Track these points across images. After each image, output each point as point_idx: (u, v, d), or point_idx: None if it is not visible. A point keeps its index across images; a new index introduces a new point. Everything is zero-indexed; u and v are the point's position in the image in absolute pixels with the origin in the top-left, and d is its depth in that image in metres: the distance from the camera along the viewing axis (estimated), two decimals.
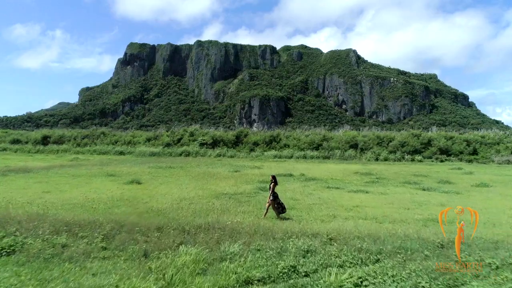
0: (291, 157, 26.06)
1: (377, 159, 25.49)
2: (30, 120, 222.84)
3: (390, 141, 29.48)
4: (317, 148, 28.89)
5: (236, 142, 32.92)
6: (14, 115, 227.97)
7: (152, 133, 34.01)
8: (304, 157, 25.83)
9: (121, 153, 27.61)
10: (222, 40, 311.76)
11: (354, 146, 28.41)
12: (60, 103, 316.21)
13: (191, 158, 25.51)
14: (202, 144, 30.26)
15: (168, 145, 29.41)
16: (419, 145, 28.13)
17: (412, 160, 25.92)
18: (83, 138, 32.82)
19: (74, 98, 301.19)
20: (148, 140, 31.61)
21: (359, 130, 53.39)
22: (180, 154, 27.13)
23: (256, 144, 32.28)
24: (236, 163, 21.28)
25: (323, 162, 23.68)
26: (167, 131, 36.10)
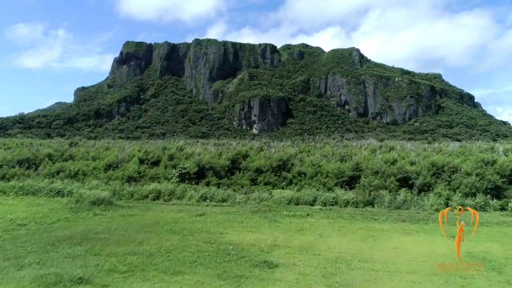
0: (314, 201, 17.05)
1: (447, 206, 16.41)
2: (22, 121, 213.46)
3: (454, 172, 20.38)
4: (349, 184, 19.77)
5: (232, 169, 23.90)
6: (6, 116, 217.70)
7: (116, 155, 24.68)
8: (335, 202, 16.79)
9: (58, 193, 18.49)
10: (226, 39, 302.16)
11: (404, 181, 19.36)
12: (57, 103, 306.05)
13: (159, 206, 16.34)
14: (182, 175, 21.13)
15: (130, 179, 20.17)
16: (498, 178, 19.03)
17: (503, 208, 16.85)
18: (18, 164, 23.71)
19: (72, 98, 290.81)
20: (108, 168, 22.41)
21: (387, 137, 44.42)
22: (146, 196, 18.00)
23: (259, 171, 23.38)
24: (227, 226, 12.17)
25: (372, 218, 14.50)
26: (139, 150, 26.96)
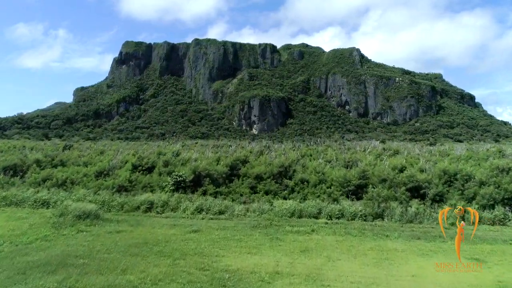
0: (319, 213, 15.74)
1: (463, 218, 15.11)
2: (21, 122, 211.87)
3: (467, 180, 19.10)
4: (355, 193, 18.48)
5: (230, 176, 22.63)
6: (5, 116, 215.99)
7: (109, 161, 23.39)
8: (341, 214, 15.50)
9: (43, 204, 17.21)
10: (226, 39, 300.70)
11: (415, 191, 18.05)
12: (56, 103, 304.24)
13: (150, 220, 15.06)
14: (177, 183, 19.83)
15: (121, 189, 18.87)
16: None
17: None
18: (3, 170, 22.43)
19: (72, 98, 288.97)
20: (99, 175, 21.12)
21: (391, 140, 43.19)
22: (138, 208, 16.71)
23: (259, 178, 22.14)
24: (224, 246, 10.75)
25: (383, 235, 13.08)
26: (134, 155, 25.68)
